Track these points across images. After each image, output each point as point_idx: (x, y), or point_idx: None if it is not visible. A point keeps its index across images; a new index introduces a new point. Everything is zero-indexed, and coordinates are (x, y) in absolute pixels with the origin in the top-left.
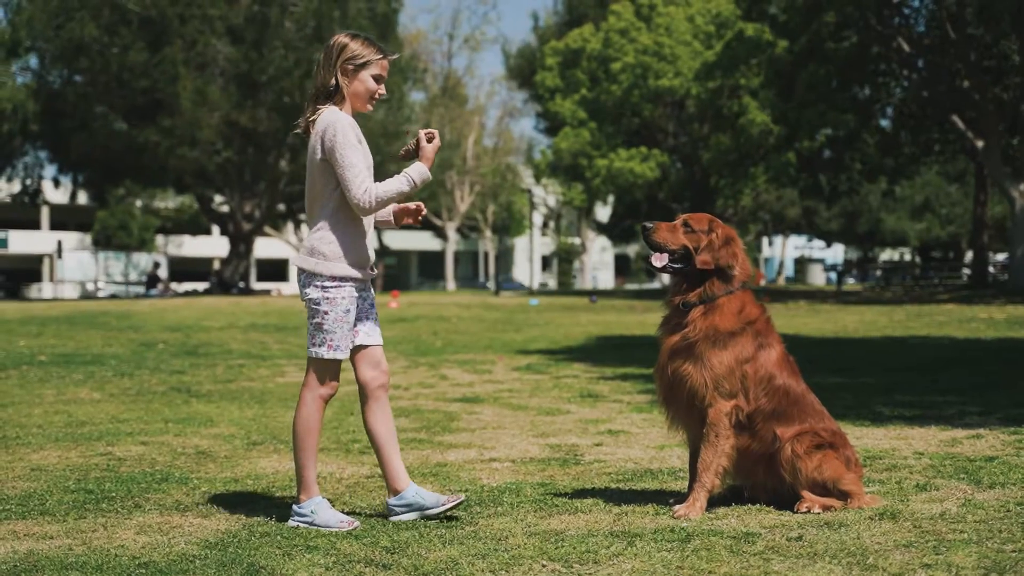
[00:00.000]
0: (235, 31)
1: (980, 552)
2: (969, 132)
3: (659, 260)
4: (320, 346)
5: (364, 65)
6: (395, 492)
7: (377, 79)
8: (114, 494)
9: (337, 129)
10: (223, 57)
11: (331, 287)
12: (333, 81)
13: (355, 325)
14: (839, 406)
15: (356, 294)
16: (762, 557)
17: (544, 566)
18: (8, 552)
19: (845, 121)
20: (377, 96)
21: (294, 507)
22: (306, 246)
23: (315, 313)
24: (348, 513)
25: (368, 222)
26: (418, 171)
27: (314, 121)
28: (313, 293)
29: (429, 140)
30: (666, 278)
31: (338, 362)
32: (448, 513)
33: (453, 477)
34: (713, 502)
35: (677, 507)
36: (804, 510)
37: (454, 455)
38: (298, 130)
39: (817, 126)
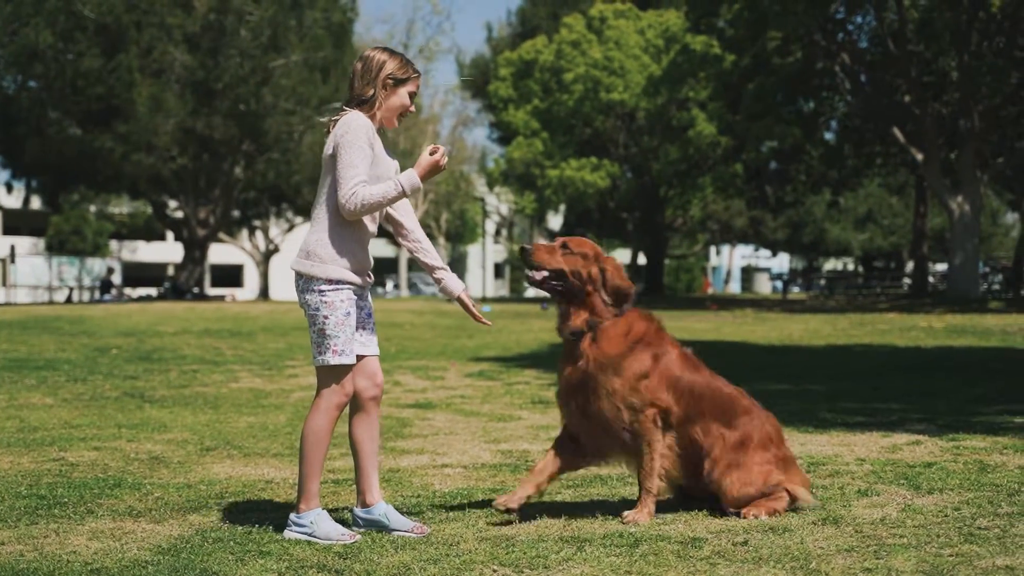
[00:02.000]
0: (191, 39)
1: (919, 556)
2: (910, 145)
3: (537, 273)
4: (325, 353)
5: (404, 81)
6: (364, 505)
7: (411, 96)
8: (66, 500)
9: (350, 128)
10: (179, 64)
11: (328, 291)
12: (371, 92)
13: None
14: (784, 412)
15: (354, 298)
16: (708, 562)
17: (495, 571)
18: None
19: (791, 134)
20: (407, 112)
21: (292, 516)
22: (303, 248)
23: (315, 319)
24: None
25: (372, 227)
26: (408, 178)
27: (335, 122)
28: (311, 298)
29: (432, 153)
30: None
31: (347, 367)
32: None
33: (405, 483)
34: (662, 507)
35: (626, 512)
36: (751, 516)
37: (407, 461)
38: (325, 129)
39: (763, 138)
